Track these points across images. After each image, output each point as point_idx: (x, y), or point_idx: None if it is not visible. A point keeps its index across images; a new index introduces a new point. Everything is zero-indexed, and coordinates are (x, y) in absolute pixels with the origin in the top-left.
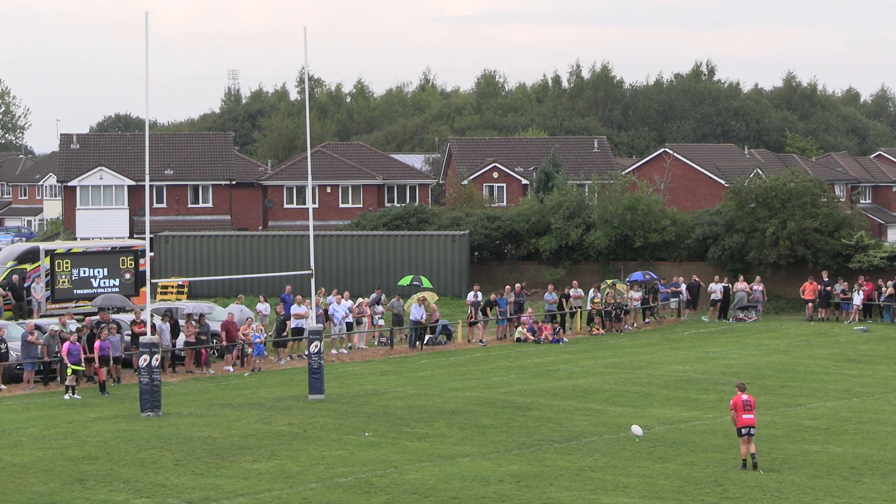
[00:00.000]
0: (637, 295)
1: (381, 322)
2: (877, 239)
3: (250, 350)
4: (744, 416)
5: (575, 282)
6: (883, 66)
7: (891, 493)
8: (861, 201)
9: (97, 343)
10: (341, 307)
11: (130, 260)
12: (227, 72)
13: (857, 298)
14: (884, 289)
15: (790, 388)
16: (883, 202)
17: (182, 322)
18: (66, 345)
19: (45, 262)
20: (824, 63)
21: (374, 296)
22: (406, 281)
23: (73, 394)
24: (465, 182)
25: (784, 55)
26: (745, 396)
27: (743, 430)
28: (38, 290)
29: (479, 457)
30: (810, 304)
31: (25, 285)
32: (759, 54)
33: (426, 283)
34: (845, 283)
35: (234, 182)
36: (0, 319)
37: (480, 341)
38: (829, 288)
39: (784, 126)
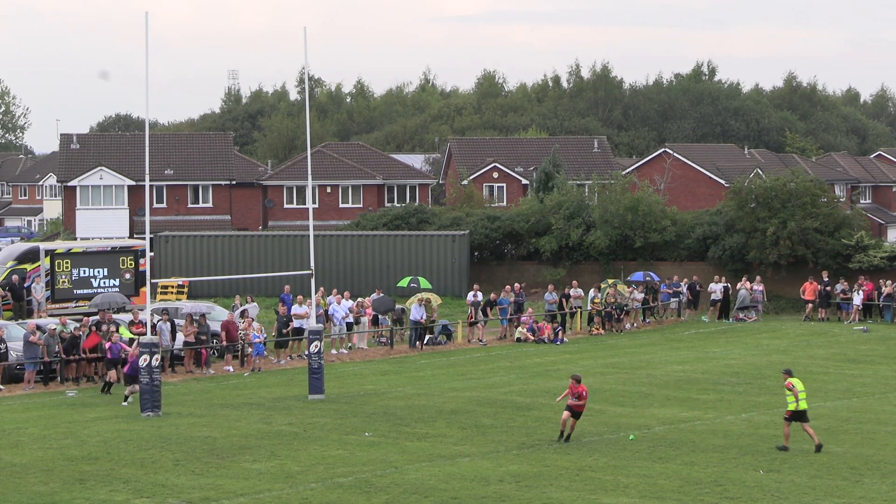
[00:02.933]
0: (638, 295)
1: (388, 322)
2: (877, 239)
3: (250, 350)
4: (571, 401)
5: (575, 282)
6: (883, 66)
7: (891, 492)
8: (861, 201)
9: (107, 344)
10: (341, 307)
11: (130, 260)
12: (227, 72)
13: (858, 298)
14: (884, 288)
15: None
16: (883, 202)
17: (181, 322)
18: (111, 346)
19: (45, 262)
20: (824, 63)
21: (374, 296)
22: (404, 283)
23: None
24: (465, 182)
25: (784, 55)
26: (582, 386)
27: (570, 409)
28: (39, 291)
29: (479, 457)
30: (810, 305)
31: (25, 285)
32: (759, 54)
33: (424, 283)
34: (846, 283)
35: (234, 182)
36: (0, 319)
37: (480, 340)
38: (829, 288)
39: (784, 126)
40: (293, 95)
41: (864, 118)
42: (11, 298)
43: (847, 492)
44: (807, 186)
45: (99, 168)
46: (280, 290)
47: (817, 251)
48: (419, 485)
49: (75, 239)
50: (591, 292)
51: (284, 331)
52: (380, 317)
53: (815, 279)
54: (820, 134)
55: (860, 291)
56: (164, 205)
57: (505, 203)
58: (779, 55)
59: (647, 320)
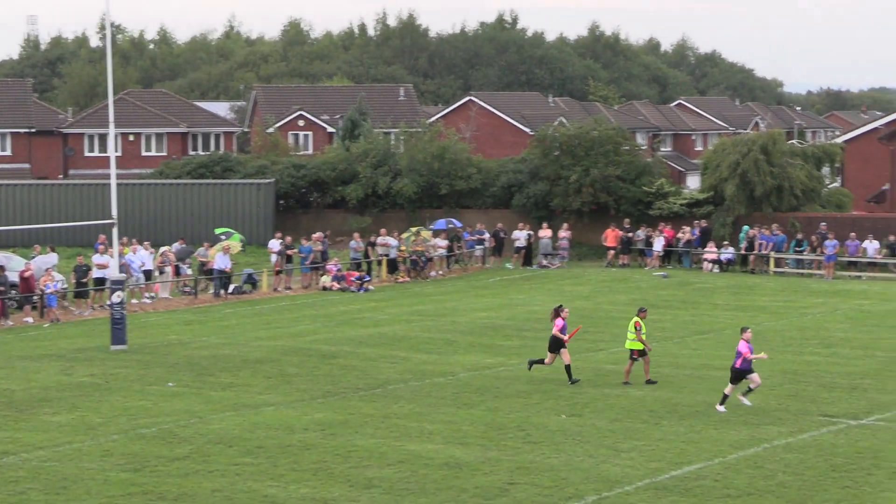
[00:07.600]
0: (442, 243)
1: (189, 272)
2: (677, 186)
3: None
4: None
5: (383, 230)
6: (683, 17)
7: (688, 434)
8: (662, 149)
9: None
10: (137, 256)
11: None
12: (26, 17)
13: (658, 245)
14: (682, 235)
15: (592, 333)
16: (683, 150)
17: None
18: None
19: None
20: (628, 13)
21: (176, 245)
22: (221, 230)
23: None
24: (271, 130)
25: (588, 5)
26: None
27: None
28: None
29: (284, 405)
30: (611, 251)
31: None
32: (564, 2)
33: (235, 238)
34: (649, 230)
35: (33, 130)
36: None
37: (287, 288)
38: (630, 234)
39: (587, 75)
40: (94, 42)
41: (665, 67)
42: None
43: (646, 434)
44: (609, 135)
45: None
46: (83, 240)
47: (619, 198)
48: (223, 434)
49: None
50: (396, 240)
51: (83, 280)
52: (181, 266)
53: (617, 226)
54: (622, 83)
55: (661, 238)
56: None
57: (311, 151)
58: (582, 5)
59: (452, 268)
